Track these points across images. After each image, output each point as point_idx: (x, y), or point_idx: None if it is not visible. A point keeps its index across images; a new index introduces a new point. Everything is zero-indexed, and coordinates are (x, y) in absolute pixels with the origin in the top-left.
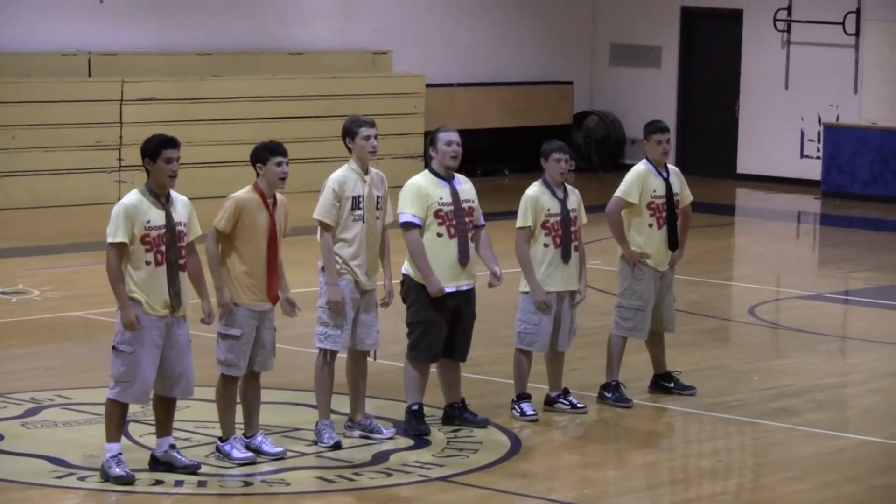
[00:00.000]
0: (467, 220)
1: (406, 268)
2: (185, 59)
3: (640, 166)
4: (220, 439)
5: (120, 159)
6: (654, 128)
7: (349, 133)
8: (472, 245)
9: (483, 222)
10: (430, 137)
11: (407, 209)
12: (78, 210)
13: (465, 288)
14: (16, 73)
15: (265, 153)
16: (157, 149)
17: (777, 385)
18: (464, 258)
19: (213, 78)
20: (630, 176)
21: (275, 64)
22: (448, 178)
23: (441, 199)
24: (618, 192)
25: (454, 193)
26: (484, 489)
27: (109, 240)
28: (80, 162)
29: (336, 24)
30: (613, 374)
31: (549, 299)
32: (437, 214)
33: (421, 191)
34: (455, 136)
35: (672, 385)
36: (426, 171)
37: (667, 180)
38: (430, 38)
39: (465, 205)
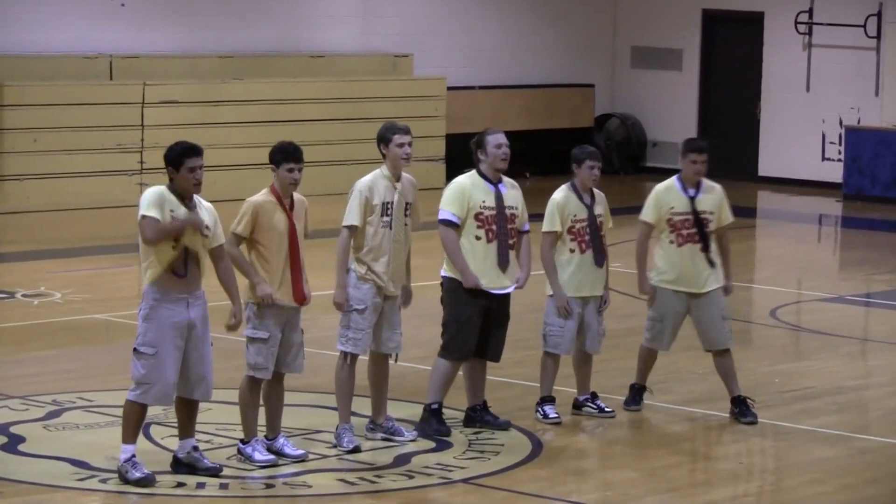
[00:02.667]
0: (509, 226)
1: (444, 270)
2: (207, 62)
3: (666, 182)
4: (242, 441)
5: (141, 162)
6: (689, 146)
7: (383, 139)
8: (512, 252)
9: (527, 228)
10: (475, 139)
11: (447, 207)
12: (99, 213)
13: (500, 292)
14: (37, 76)
15: (279, 157)
16: (180, 157)
17: (798, 387)
18: (503, 262)
19: (234, 81)
20: (650, 196)
21: (295, 67)
22: (495, 182)
23: (484, 202)
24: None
25: (499, 198)
26: (506, 491)
27: (146, 213)
28: (101, 165)
29: (357, 27)
30: (637, 377)
31: (571, 304)
32: (477, 217)
33: (465, 191)
34: (504, 139)
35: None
36: (473, 171)
37: (692, 198)
38: (452, 41)
39: (508, 211)
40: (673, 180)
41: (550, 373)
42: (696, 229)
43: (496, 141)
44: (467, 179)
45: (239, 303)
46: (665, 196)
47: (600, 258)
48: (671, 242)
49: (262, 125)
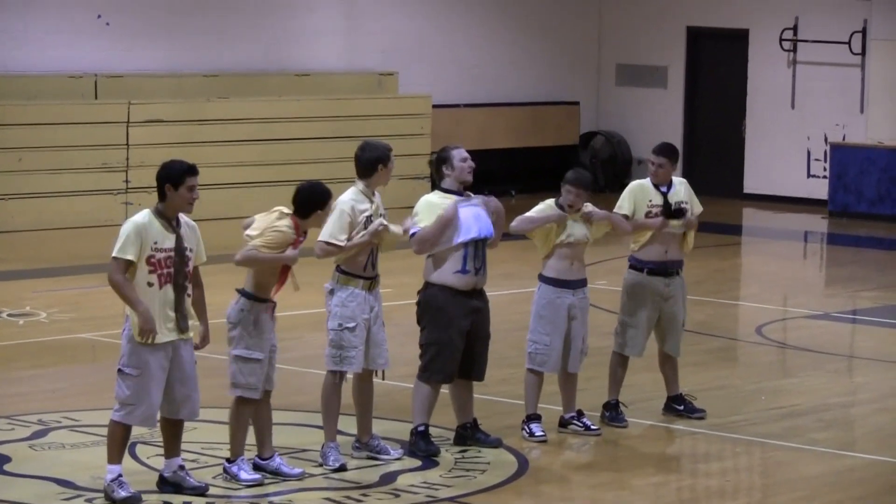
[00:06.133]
0: None
1: (431, 276)
2: (192, 81)
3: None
4: (228, 461)
5: (126, 181)
6: (653, 150)
7: (384, 160)
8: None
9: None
10: (436, 157)
11: (424, 222)
12: (85, 232)
13: (479, 304)
14: (22, 95)
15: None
16: (181, 176)
17: (785, 404)
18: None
19: (219, 100)
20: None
21: (281, 85)
22: (460, 195)
23: None
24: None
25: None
26: None
27: (117, 255)
28: (86, 184)
29: (342, 46)
30: (611, 392)
31: (559, 320)
32: None
33: (437, 207)
34: (465, 152)
35: (682, 408)
36: (436, 191)
37: (665, 193)
38: (437, 59)
39: None
40: (647, 180)
41: (535, 390)
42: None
43: (461, 155)
44: (435, 197)
45: (207, 323)
46: (639, 194)
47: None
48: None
49: (248, 144)
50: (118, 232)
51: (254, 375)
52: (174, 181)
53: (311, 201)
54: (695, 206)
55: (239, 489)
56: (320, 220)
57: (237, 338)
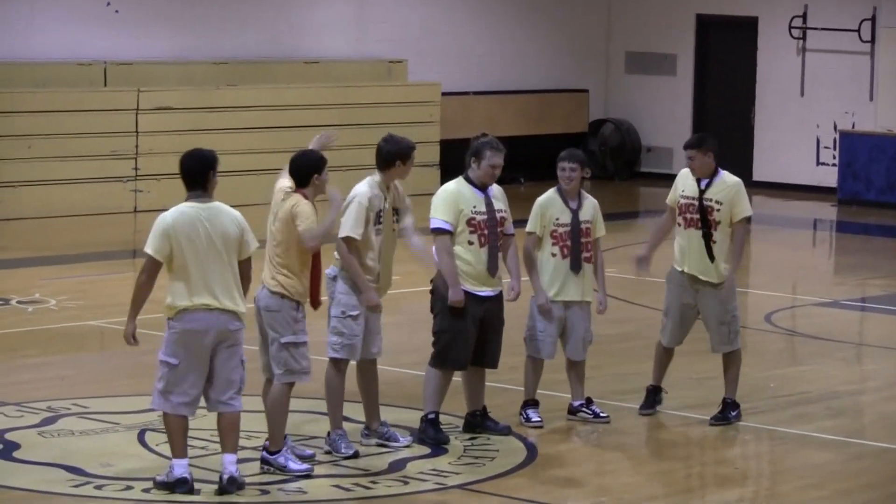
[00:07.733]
0: (499, 229)
1: (435, 277)
2: (201, 69)
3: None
4: (269, 452)
5: (136, 168)
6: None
7: (402, 157)
8: (500, 254)
9: (512, 231)
10: (474, 146)
11: (439, 215)
12: (94, 220)
13: (490, 294)
14: (31, 82)
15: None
16: (217, 160)
17: (793, 392)
18: (492, 268)
19: (228, 87)
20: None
21: (290, 73)
22: (483, 189)
23: (475, 207)
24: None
25: (488, 203)
26: (501, 497)
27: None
28: (95, 171)
29: (351, 33)
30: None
31: (550, 306)
32: (469, 223)
33: (455, 198)
34: (501, 161)
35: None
36: (461, 178)
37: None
38: (446, 47)
39: (498, 215)
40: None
41: (532, 376)
42: (700, 216)
43: (492, 162)
44: (455, 186)
45: None
46: (680, 180)
47: (577, 265)
48: (679, 225)
49: (257, 131)
50: (244, 225)
51: (306, 359)
52: (216, 166)
53: (306, 167)
54: (735, 210)
55: (249, 476)
56: (320, 187)
57: (282, 325)
